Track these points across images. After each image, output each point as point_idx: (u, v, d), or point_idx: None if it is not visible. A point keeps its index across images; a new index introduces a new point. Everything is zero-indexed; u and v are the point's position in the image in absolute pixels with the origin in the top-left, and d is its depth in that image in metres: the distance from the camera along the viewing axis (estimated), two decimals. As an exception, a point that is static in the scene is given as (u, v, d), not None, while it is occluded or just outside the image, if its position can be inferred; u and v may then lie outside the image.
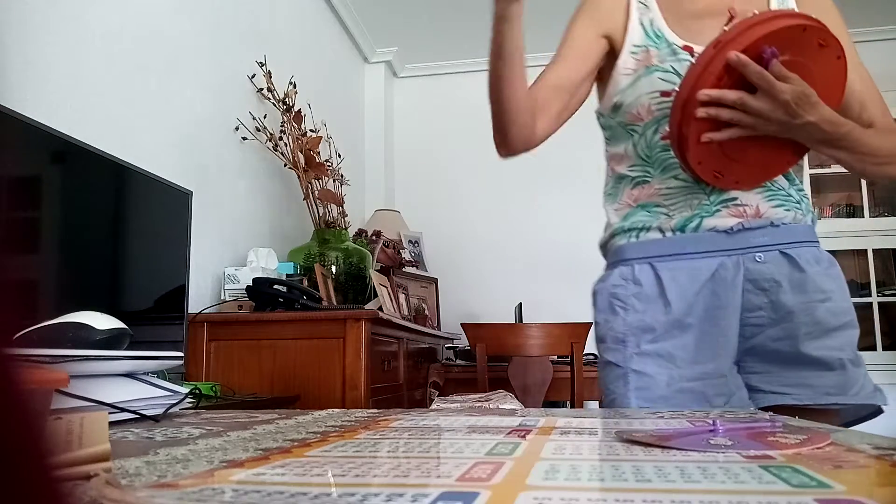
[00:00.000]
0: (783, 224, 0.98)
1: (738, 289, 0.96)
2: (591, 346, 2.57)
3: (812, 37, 0.84)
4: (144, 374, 0.96)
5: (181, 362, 1.27)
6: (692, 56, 0.97)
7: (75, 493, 0.28)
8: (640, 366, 0.96)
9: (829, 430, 0.50)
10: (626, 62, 1.02)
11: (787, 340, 0.95)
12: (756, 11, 0.87)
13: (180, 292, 1.37)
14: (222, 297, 1.92)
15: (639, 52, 1.01)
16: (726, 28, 0.85)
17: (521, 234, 3.66)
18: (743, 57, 0.81)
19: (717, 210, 0.97)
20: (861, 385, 0.95)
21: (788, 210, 0.99)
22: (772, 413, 0.74)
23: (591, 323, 2.04)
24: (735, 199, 0.97)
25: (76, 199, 1.10)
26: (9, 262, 0.16)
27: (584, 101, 1.07)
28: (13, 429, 0.15)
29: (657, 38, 1.01)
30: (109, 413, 0.37)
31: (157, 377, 0.99)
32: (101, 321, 0.84)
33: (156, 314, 1.30)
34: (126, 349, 0.89)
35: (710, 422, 0.50)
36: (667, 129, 0.95)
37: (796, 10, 0.97)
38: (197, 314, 1.76)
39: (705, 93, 0.84)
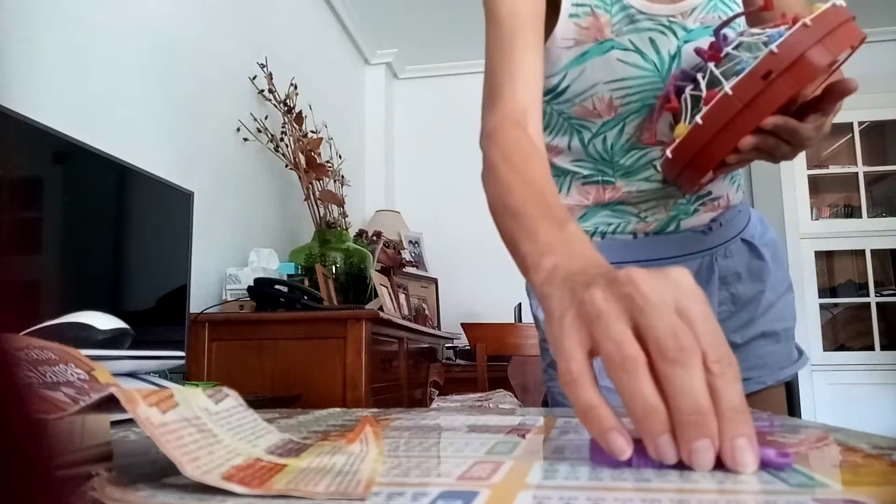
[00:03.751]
0: (741, 205, 0.91)
1: (713, 294, 0.88)
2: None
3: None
4: (146, 373, 0.96)
5: (183, 362, 1.27)
6: (654, 24, 0.77)
7: (77, 492, 0.28)
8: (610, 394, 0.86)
9: (827, 430, 0.50)
10: (565, 30, 0.77)
11: (743, 329, 0.91)
12: (807, 21, 0.65)
13: (182, 292, 1.37)
14: (224, 298, 1.93)
15: (582, 17, 0.77)
16: (774, 49, 0.65)
17: (521, 235, 3.66)
18: (781, 123, 0.67)
19: (696, 209, 0.88)
20: (796, 348, 0.94)
21: (741, 188, 0.92)
22: (770, 413, 0.74)
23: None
24: (710, 192, 0.88)
25: (78, 199, 1.11)
26: (10, 263, 0.17)
27: None
28: (14, 428, 0.15)
29: None
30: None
31: (159, 377, 0.99)
32: (103, 321, 0.84)
33: (157, 314, 1.30)
34: (128, 349, 0.89)
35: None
36: (633, 129, 0.82)
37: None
38: (198, 314, 1.76)
39: (750, 143, 0.68)
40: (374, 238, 2.85)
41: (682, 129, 0.71)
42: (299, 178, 2.37)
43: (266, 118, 2.35)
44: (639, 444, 0.36)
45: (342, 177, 2.69)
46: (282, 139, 2.35)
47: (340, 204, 2.49)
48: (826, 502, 0.28)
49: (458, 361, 2.93)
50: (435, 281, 3.44)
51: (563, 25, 0.77)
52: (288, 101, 2.38)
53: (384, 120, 3.78)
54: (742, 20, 0.83)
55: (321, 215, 2.40)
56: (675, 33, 0.79)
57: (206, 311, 1.81)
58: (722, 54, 0.71)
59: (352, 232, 2.65)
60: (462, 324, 2.39)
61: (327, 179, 2.47)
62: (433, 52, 3.79)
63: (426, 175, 3.83)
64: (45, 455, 0.16)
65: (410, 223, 3.53)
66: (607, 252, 0.85)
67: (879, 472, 0.35)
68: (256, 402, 1.44)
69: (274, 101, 2.35)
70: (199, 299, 1.86)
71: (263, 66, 2.34)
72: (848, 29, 0.66)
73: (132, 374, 0.91)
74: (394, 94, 3.95)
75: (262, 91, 2.34)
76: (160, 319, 1.31)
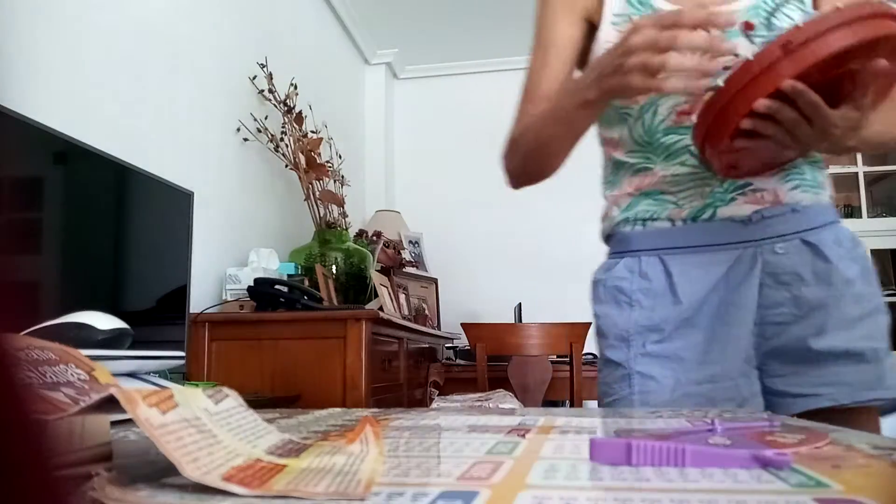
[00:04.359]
0: (803, 208, 0.89)
1: (753, 285, 0.88)
2: (590, 346, 2.58)
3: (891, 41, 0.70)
4: (146, 373, 0.96)
5: (183, 362, 1.27)
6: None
7: (77, 492, 0.28)
8: (645, 367, 0.89)
9: (827, 430, 0.50)
10: (607, 35, 0.91)
11: (815, 337, 0.86)
12: (839, 5, 0.68)
13: (182, 292, 1.37)
14: (224, 298, 1.93)
15: (621, 23, 0.90)
16: (800, 24, 0.68)
17: (520, 235, 3.67)
18: (799, 87, 0.69)
19: (733, 198, 0.89)
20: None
21: (806, 192, 0.90)
22: (770, 412, 0.74)
23: (590, 323, 2.07)
24: (750, 184, 0.88)
25: (78, 199, 1.11)
26: (10, 263, 0.17)
27: None
28: (14, 429, 0.15)
29: (640, 4, 0.90)
30: (111, 413, 0.37)
31: (159, 377, 1.00)
32: (103, 321, 0.84)
33: (157, 314, 1.30)
34: (128, 349, 0.90)
35: (709, 421, 0.50)
36: (666, 111, 0.89)
37: None
38: (198, 314, 1.76)
39: (764, 105, 0.71)
40: (374, 238, 2.85)
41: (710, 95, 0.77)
42: (299, 178, 2.37)
43: (266, 118, 2.35)
44: (638, 443, 0.36)
45: (342, 177, 2.69)
46: (282, 139, 2.35)
47: (340, 204, 2.49)
48: (826, 502, 0.28)
49: (458, 361, 2.93)
50: (435, 281, 3.44)
51: (606, 30, 0.92)
52: (288, 101, 2.38)
53: (384, 120, 3.78)
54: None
55: (321, 215, 2.40)
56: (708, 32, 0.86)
57: (206, 311, 1.81)
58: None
59: (352, 232, 2.64)
60: (462, 324, 2.39)
61: (327, 179, 2.47)
62: (433, 52, 3.79)
63: (426, 175, 3.83)
64: (45, 455, 0.16)
65: (410, 223, 3.53)
66: (648, 239, 0.94)
67: (880, 473, 0.35)
68: (256, 402, 1.43)
69: (274, 101, 2.35)
70: (199, 299, 1.86)
71: (263, 66, 2.34)
72: (883, 22, 0.68)
73: (132, 375, 0.91)
74: (394, 94, 3.95)
75: (262, 91, 2.34)
76: (160, 319, 1.31)
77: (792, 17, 0.86)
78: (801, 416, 0.86)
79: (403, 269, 3.07)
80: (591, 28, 0.95)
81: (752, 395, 0.87)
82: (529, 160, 0.94)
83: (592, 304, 0.98)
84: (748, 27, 0.85)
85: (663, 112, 0.89)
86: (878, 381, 0.85)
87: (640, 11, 0.89)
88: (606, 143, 0.99)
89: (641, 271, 0.92)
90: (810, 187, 0.91)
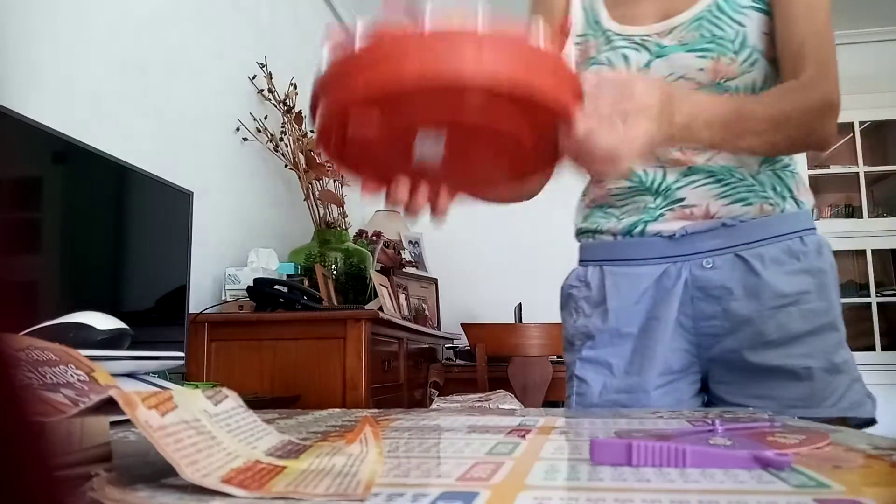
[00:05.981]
0: (740, 222, 0.87)
1: (674, 299, 0.89)
2: (591, 347, 2.58)
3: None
4: (145, 374, 0.96)
5: (182, 362, 1.27)
6: (628, 43, 0.90)
7: (76, 492, 0.28)
8: (581, 371, 0.94)
9: (829, 430, 0.50)
10: (571, 56, 0.97)
11: (746, 350, 0.87)
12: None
13: (181, 292, 1.37)
14: (223, 298, 1.93)
15: (581, 43, 0.96)
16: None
17: (520, 235, 3.66)
18: None
19: (661, 214, 0.91)
20: (840, 395, 0.84)
21: (751, 204, 0.88)
22: (770, 413, 0.74)
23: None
24: (682, 199, 0.89)
25: (77, 199, 1.11)
26: (9, 263, 0.17)
27: None
28: (14, 429, 0.15)
29: (595, 26, 0.94)
30: (111, 413, 0.37)
31: (158, 377, 1.00)
32: (102, 321, 0.84)
33: (157, 314, 1.30)
34: (127, 349, 0.90)
35: (709, 422, 0.50)
36: None
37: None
38: (198, 314, 1.76)
39: None
40: (374, 238, 2.85)
41: None
42: (299, 177, 2.37)
43: (266, 118, 2.35)
44: (639, 443, 0.36)
45: (342, 176, 2.69)
46: (281, 139, 2.35)
47: (340, 204, 2.48)
48: (827, 503, 0.28)
49: (458, 362, 2.93)
50: (435, 281, 3.44)
51: (569, 48, 0.93)
52: (287, 100, 2.38)
53: (384, 120, 3.77)
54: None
55: (321, 215, 2.40)
56: (648, 50, 0.90)
57: (206, 312, 1.80)
58: None
59: (352, 232, 2.64)
60: (462, 324, 2.39)
61: (327, 179, 2.46)
62: (433, 52, 3.78)
63: (426, 175, 3.82)
64: (44, 456, 0.16)
65: (410, 223, 3.53)
66: (595, 251, 0.97)
67: (880, 473, 0.35)
68: (256, 403, 1.43)
69: (273, 101, 2.35)
70: (199, 299, 1.86)
71: (263, 66, 2.34)
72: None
73: (131, 375, 0.91)
74: (393, 94, 3.95)
75: (262, 91, 2.34)
76: (159, 320, 1.31)
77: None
78: None
79: (403, 270, 3.07)
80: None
81: (676, 404, 0.89)
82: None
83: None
84: None
85: None
86: (806, 399, 0.84)
87: (594, 33, 0.94)
88: None
89: (586, 281, 0.98)
90: (760, 198, 0.88)
